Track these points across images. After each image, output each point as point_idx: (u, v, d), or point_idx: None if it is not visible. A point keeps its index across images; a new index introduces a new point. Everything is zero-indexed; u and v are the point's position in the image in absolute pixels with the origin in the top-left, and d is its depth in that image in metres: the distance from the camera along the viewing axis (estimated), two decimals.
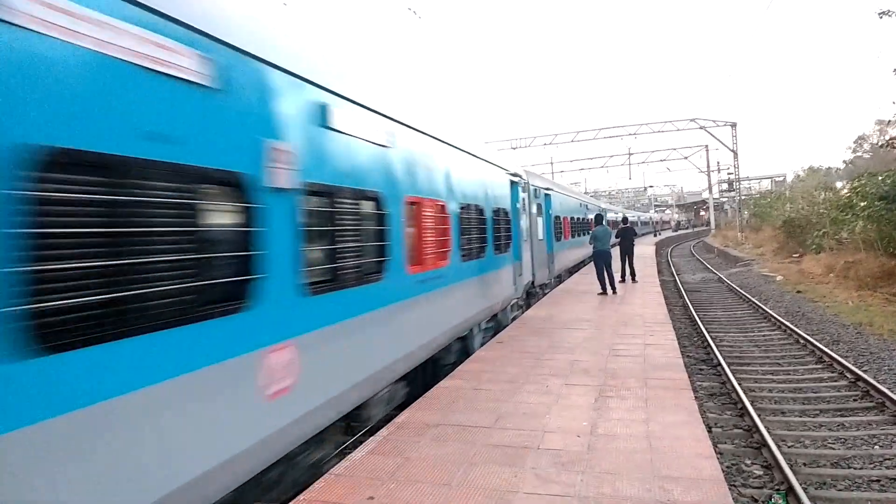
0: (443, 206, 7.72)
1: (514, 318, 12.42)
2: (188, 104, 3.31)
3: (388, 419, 6.00)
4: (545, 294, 16.16)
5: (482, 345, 9.64)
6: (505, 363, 8.13)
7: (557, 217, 19.05)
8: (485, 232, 9.88)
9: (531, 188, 15.09)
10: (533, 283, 14.76)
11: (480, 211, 9.68)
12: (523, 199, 13.85)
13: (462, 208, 8.62)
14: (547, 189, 17.77)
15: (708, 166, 56.97)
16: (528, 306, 14.11)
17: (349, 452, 5.10)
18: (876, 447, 6.68)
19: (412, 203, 6.67)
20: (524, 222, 13.82)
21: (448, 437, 5.33)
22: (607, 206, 46.53)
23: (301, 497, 4.16)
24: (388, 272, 5.83)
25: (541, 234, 16.12)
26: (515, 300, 12.66)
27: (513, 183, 12.75)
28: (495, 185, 11.06)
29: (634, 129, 47.63)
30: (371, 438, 5.33)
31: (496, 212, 10.79)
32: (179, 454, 3.15)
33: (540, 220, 16.23)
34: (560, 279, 19.81)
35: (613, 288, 15.26)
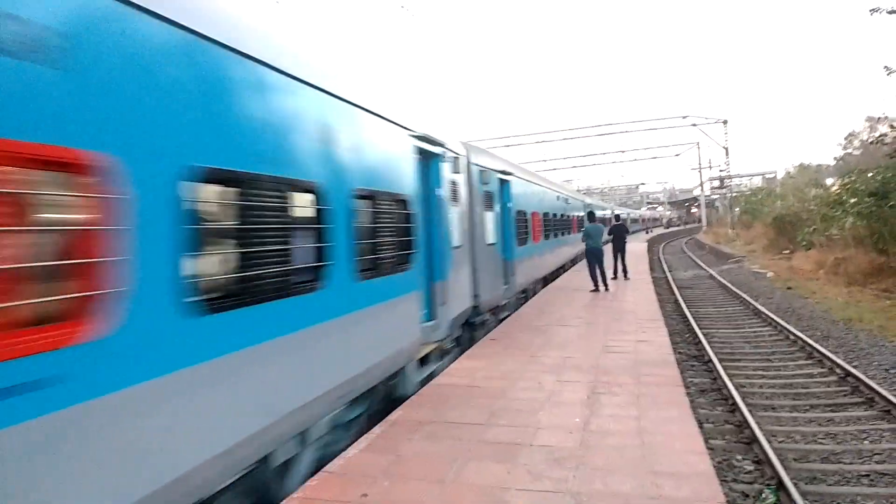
0: (96, 170, 2.86)
1: (427, 379, 7.46)
2: None
3: (381, 418, 5.99)
4: (501, 321, 11.75)
5: (321, 466, 4.79)
6: (498, 360, 8.14)
7: (522, 213, 14.50)
8: (322, 237, 4.94)
9: (474, 169, 10.58)
10: (477, 307, 10.24)
11: (312, 193, 4.88)
12: (453, 184, 9.14)
13: (217, 182, 3.81)
14: (504, 173, 12.98)
15: (699, 163, 57.37)
16: (474, 340, 9.93)
17: (343, 450, 5.09)
18: (865, 442, 6.74)
19: None
20: (455, 220, 9.14)
21: (441, 434, 5.34)
22: (596, 201, 45.34)
23: (295, 495, 4.16)
24: None
25: (491, 237, 11.56)
26: (436, 345, 8.01)
27: (427, 155, 8.02)
28: (371, 152, 6.13)
29: (627, 127, 47.81)
30: (364, 436, 5.33)
31: (372, 199, 6.02)
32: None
33: (490, 216, 11.64)
34: (526, 296, 15.20)
35: (606, 285, 15.31)
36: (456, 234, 9.18)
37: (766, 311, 14.38)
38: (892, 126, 21.17)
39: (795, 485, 5.54)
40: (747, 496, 5.61)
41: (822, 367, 9.71)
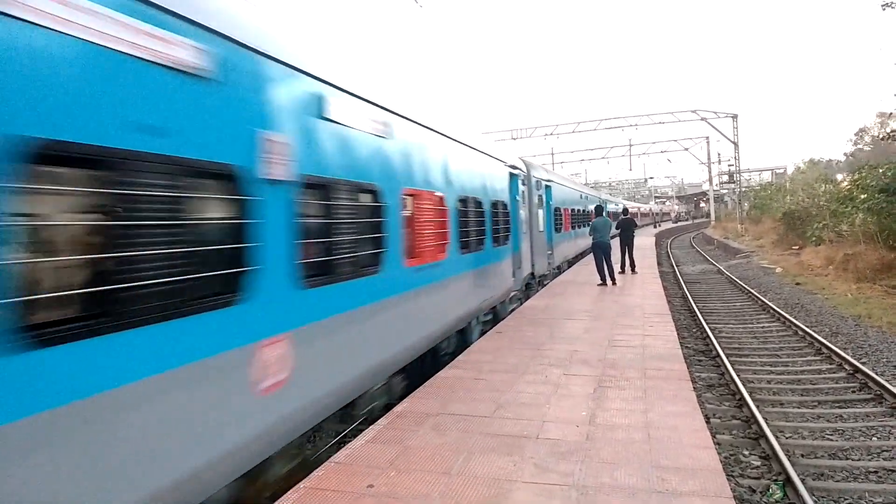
0: None
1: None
2: None
3: (387, 408, 6.01)
4: (544, 286, 15.91)
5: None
6: (504, 353, 8.14)
7: (558, 209, 19.02)
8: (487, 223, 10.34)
9: (532, 180, 15.08)
10: (533, 274, 15.10)
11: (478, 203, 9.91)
12: (523, 193, 14.00)
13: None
14: (548, 181, 17.63)
15: (709, 158, 56.85)
16: (529, 297, 13.95)
17: (349, 441, 5.11)
18: (874, 438, 6.71)
19: None
20: (523, 215, 14.01)
21: (447, 426, 5.34)
22: (610, 197, 45.17)
23: (300, 485, 4.18)
24: None
25: (541, 227, 16.29)
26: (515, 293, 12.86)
27: (512, 175, 12.95)
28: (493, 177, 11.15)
29: (636, 120, 47.49)
30: (371, 427, 5.35)
31: (495, 206, 11.17)
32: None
33: (541, 213, 16.43)
34: (560, 270, 19.43)
35: (613, 279, 15.26)
36: (524, 225, 13.44)
37: (775, 307, 14.31)
38: None
39: (803, 480, 5.52)
40: (754, 491, 5.58)
41: (830, 364, 9.65)
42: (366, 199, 5.68)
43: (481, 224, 9.68)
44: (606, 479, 4.16)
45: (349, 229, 5.25)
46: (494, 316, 11.14)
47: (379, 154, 5.97)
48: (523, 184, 13.59)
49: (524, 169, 14.06)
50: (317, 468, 4.49)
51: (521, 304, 12.87)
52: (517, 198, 12.65)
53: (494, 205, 10.55)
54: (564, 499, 3.90)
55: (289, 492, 4.09)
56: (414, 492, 4.06)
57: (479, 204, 9.61)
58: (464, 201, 8.78)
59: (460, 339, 9.04)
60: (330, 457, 4.73)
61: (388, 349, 6.11)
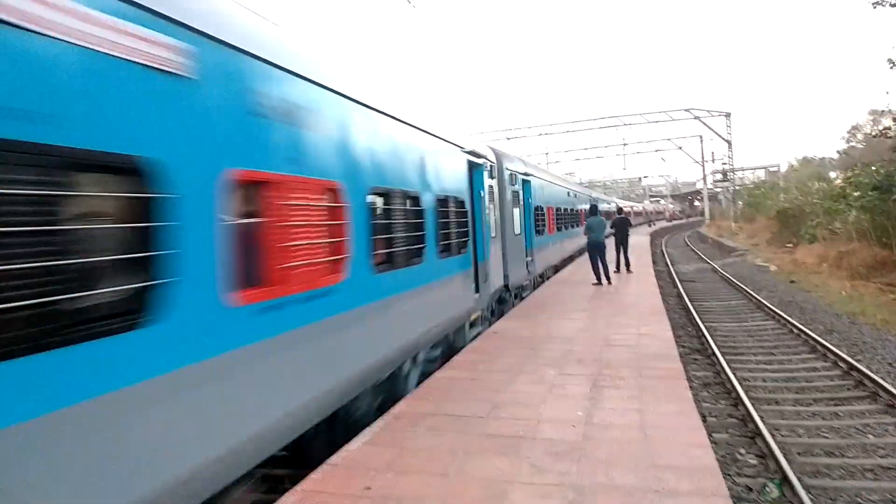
0: None
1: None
2: None
3: (383, 410, 5.99)
4: (522, 298, 13.54)
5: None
6: (500, 353, 8.13)
7: (539, 208, 15.96)
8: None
9: (505, 173, 12.26)
10: (507, 286, 12.06)
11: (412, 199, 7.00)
12: (490, 187, 11.18)
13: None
14: (525, 175, 14.61)
15: (702, 156, 57.07)
16: (502, 313, 11.62)
17: (345, 443, 5.08)
18: (869, 436, 6.73)
19: None
20: (492, 215, 11.09)
21: (444, 427, 5.32)
22: (601, 195, 45.09)
23: (297, 488, 4.16)
24: None
25: (518, 229, 13.32)
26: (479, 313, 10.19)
27: (473, 165, 9.94)
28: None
29: (629, 119, 47.68)
30: (367, 429, 5.33)
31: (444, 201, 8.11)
32: None
33: (517, 212, 13.39)
34: (543, 278, 17.14)
35: (608, 278, 15.28)
36: (492, 228, 11.17)
37: (770, 305, 14.36)
38: (895, 119, 21.07)
39: (799, 478, 5.53)
40: (751, 490, 5.59)
41: (825, 361, 9.68)
42: (117, 185, 3.00)
43: (419, 227, 7.05)
44: (603, 479, 4.15)
45: (49, 247, 2.52)
46: (449, 347, 8.63)
47: (167, 107, 3.26)
48: (491, 177, 11.16)
49: (492, 159, 11.39)
50: (314, 471, 4.47)
51: (490, 324, 10.52)
52: (481, 193, 10.15)
53: (443, 202, 7.97)
54: (561, 499, 3.89)
55: (286, 494, 4.07)
56: (411, 493, 4.04)
57: (414, 200, 7.01)
58: (384, 196, 6.17)
59: (390, 388, 6.57)
60: (326, 459, 4.71)
61: (199, 454, 3.35)
